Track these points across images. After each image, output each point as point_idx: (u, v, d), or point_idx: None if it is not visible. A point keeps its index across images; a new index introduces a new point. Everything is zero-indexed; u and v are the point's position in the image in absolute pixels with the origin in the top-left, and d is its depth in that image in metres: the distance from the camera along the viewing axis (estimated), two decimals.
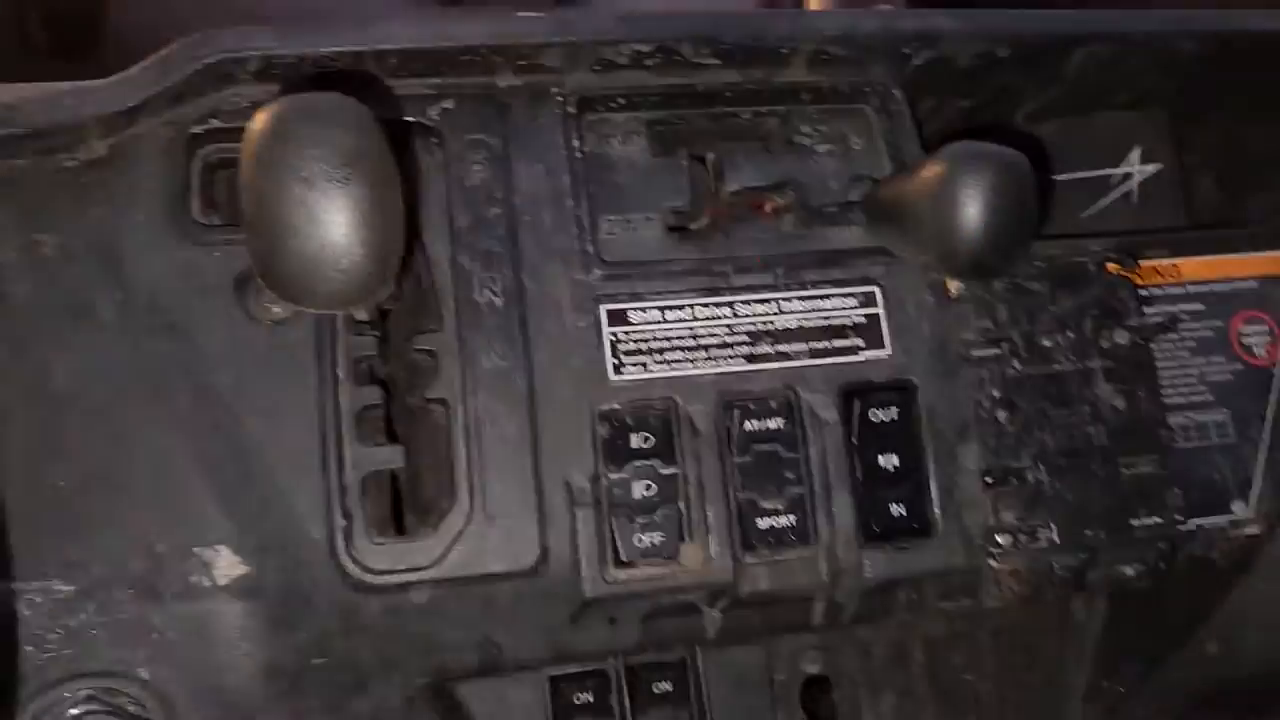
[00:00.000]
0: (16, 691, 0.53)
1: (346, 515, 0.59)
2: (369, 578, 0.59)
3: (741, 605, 0.64)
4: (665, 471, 0.62)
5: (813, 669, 0.77)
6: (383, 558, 0.59)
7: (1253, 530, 0.72)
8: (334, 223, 0.42)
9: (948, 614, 0.69)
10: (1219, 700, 0.76)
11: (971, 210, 0.57)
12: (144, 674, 0.55)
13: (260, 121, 0.44)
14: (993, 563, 0.66)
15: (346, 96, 0.45)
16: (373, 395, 0.62)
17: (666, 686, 0.75)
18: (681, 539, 0.62)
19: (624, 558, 0.61)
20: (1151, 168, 0.85)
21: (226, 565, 0.57)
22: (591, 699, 0.74)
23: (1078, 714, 0.80)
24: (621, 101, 0.69)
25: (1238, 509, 0.71)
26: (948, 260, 0.60)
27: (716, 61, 0.70)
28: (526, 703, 0.73)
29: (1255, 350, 0.74)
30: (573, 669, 0.73)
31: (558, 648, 0.63)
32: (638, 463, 0.62)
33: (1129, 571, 0.67)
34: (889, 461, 0.65)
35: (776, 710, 0.76)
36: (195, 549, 0.57)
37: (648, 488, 0.62)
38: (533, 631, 0.62)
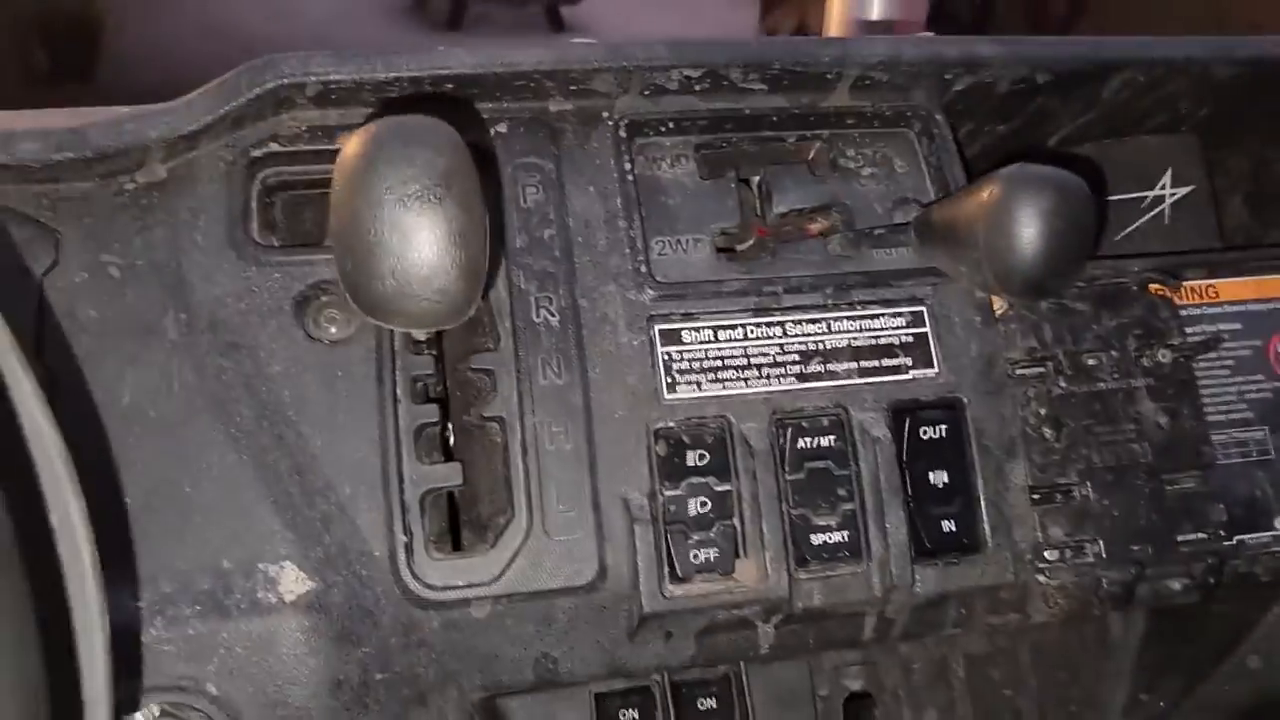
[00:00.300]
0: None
1: (407, 532, 0.60)
2: (430, 593, 0.59)
3: (795, 620, 0.65)
4: (720, 488, 0.63)
5: (855, 685, 0.78)
6: (442, 574, 0.60)
7: None
8: (428, 242, 0.43)
9: (993, 629, 0.70)
10: (1262, 715, 0.77)
11: (1030, 232, 0.58)
12: (212, 689, 0.56)
13: (354, 144, 0.45)
14: (1041, 578, 0.67)
15: (437, 119, 0.46)
16: (430, 413, 0.62)
17: (711, 703, 0.75)
18: (737, 555, 0.63)
19: (680, 573, 0.62)
20: (1183, 190, 0.86)
21: (292, 581, 0.57)
22: (636, 715, 0.74)
23: None
24: (671, 125, 0.71)
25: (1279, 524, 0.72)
26: (1004, 281, 0.61)
27: (763, 86, 0.71)
28: (571, 718, 0.73)
29: None
30: (618, 685, 0.73)
31: (613, 663, 0.63)
32: (693, 479, 0.63)
33: (1176, 586, 0.68)
34: (939, 478, 0.66)
35: None
36: (260, 565, 0.58)
37: (703, 504, 0.63)
38: (589, 647, 0.63)
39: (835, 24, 1.28)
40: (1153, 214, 0.87)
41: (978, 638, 0.79)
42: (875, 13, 1.25)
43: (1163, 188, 0.86)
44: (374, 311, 0.46)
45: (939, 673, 0.79)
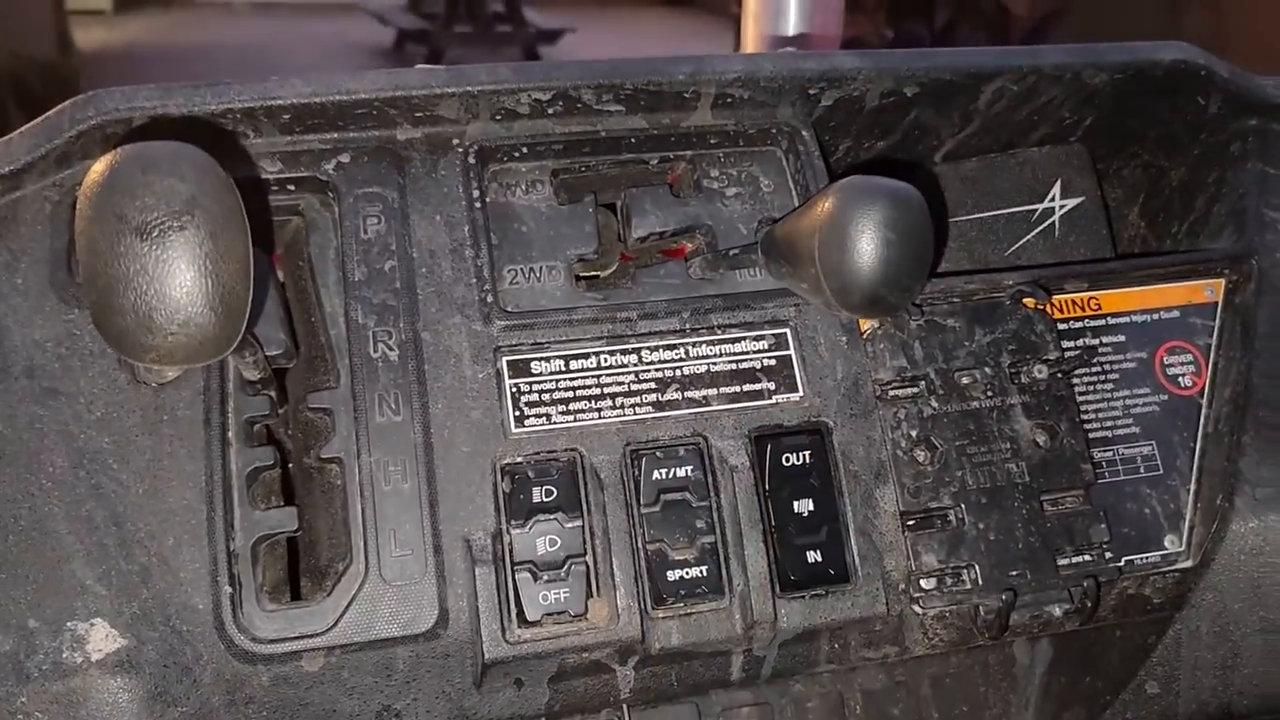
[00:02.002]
0: None
1: (234, 582, 0.57)
2: (257, 647, 0.56)
3: (655, 661, 0.62)
4: (570, 525, 0.60)
5: None
6: (273, 625, 0.57)
7: (1186, 564, 0.70)
8: (169, 274, 0.41)
9: (877, 663, 0.67)
10: None
11: (863, 245, 0.56)
12: None
13: (95, 171, 0.43)
14: (917, 608, 0.64)
15: (187, 144, 0.44)
16: (265, 456, 0.60)
17: None
18: (590, 594, 0.60)
19: (529, 616, 0.59)
20: (1073, 201, 0.85)
21: (101, 639, 0.54)
22: None
23: None
24: (525, 151, 0.68)
25: (1170, 543, 0.69)
26: (842, 296, 0.58)
27: (620, 108, 0.69)
28: None
29: (1181, 380, 0.73)
30: None
31: (461, 714, 0.60)
32: (541, 517, 0.60)
33: (1056, 612, 0.65)
34: (804, 507, 0.63)
35: None
36: (69, 623, 0.54)
37: (552, 542, 0.60)
38: (434, 698, 0.60)
39: (750, 42, 1.27)
40: (1042, 227, 0.85)
41: (875, 672, 0.76)
42: (790, 29, 1.24)
43: (1052, 200, 0.85)
44: (121, 347, 0.44)
45: (835, 711, 0.75)
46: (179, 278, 0.41)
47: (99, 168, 0.43)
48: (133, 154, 0.42)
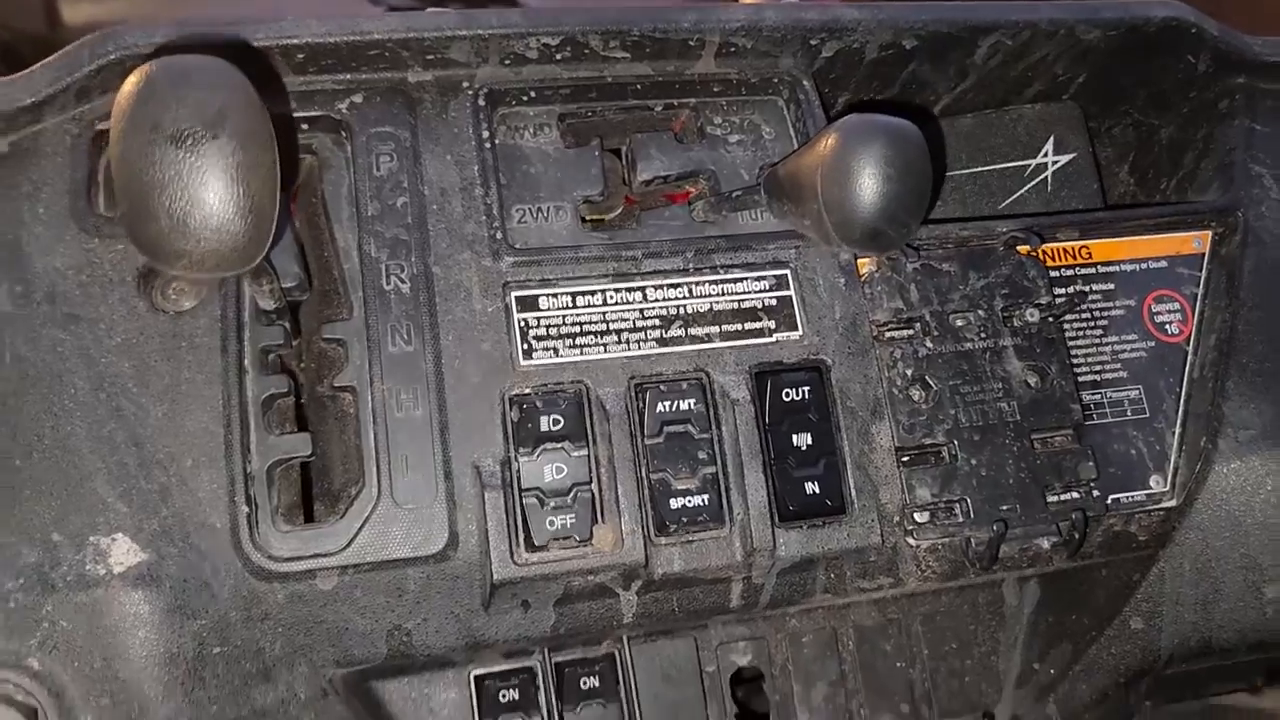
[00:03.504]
0: None
1: (250, 503, 0.59)
2: (272, 565, 0.58)
3: (657, 587, 0.64)
4: (576, 454, 0.62)
5: (743, 660, 0.76)
6: (288, 545, 0.59)
7: (1170, 503, 0.72)
8: (203, 180, 0.42)
9: (870, 595, 0.69)
10: (1145, 676, 0.76)
11: (865, 179, 0.58)
12: (34, 664, 0.54)
13: (129, 83, 0.44)
14: (910, 540, 0.66)
15: (215, 58, 0.45)
16: (280, 384, 0.61)
17: (594, 682, 0.74)
18: (595, 521, 0.62)
19: (536, 541, 0.61)
20: (1065, 157, 0.87)
21: (123, 553, 0.56)
22: (517, 696, 0.73)
23: (1010, 700, 0.79)
24: (533, 95, 0.70)
25: (1155, 482, 0.72)
26: (843, 230, 0.60)
27: (626, 55, 0.71)
28: (451, 701, 0.72)
29: (1168, 328, 0.75)
30: (497, 667, 0.72)
31: (470, 635, 0.62)
32: (549, 445, 0.62)
33: (1045, 545, 0.67)
34: (802, 440, 0.65)
35: (707, 703, 0.75)
36: (92, 538, 0.56)
37: (559, 470, 0.62)
38: (444, 618, 0.62)
39: None
40: (1035, 182, 0.87)
41: (868, 610, 0.78)
42: None
43: (1045, 155, 0.87)
44: (154, 254, 0.45)
45: (829, 646, 0.78)
46: (212, 185, 0.43)
47: (133, 79, 0.44)
48: (166, 66, 0.44)
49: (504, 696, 0.73)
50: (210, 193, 0.42)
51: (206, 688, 0.57)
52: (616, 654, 0.75)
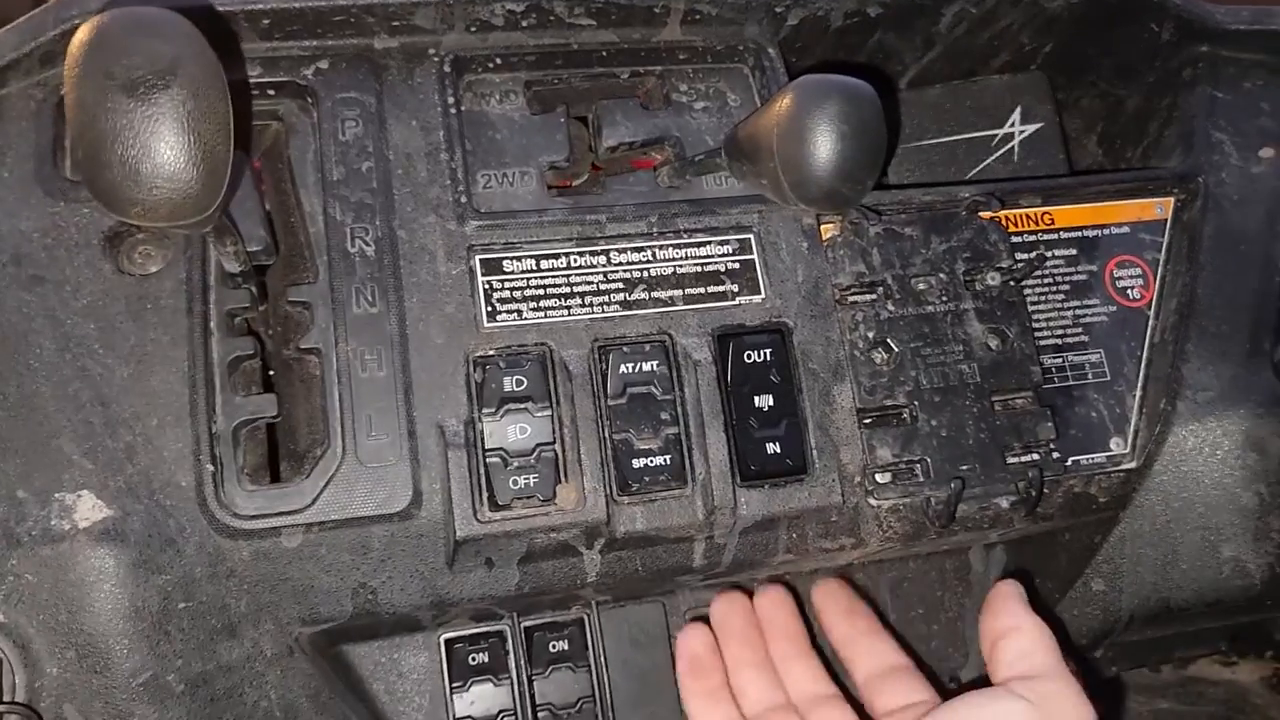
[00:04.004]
0: None
1: (215, 462, 0.59)
2: (238, 523, 0.59)
3: (619, 545, 0.64)
4: (540, 414, 0.63)
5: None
6: (253, 503, 0.59)
7: (1130, 465, 0.73)
8: (153, 131, 0.43)
9: (833, 556, 0.70)
10: (1106, 635, 0.77)
11: (819, 137, 0.59)
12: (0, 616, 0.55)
13: (81, 32, 0.44)
14: (871, 500, 0.67)
15: (167, 10, 0.46)
16: (245, 346, 0.62)
17: (563, 645, 0.75)
18: (558, 480, 0.63)
19: (499, 500, 0.62)
20: (1032, 127, 0.87)
21: (88, 509, 0.57)
22: (486, 659, 0.74)
23: (976, 664, 0.80)
24: (499, 62, 0.71)
25: (1115, 444, 0.73)
26: (799, 189, 0.61)
27: (591, 21, 0.71)
28: (421, 665, 0.73)
29: (1129, 293, 0.76)
30: (467, 630, 0.73)
31: (435, 593, 0.63)
32: (512, 406, 0.63)
33: (1004, 504, 0.68)
34: (764, 402, 0.66)
35: (676, 667, 0.76)
36: (57, 494, 0.57)
37: (522, 430, 0.63)
38: (408, 576, 0.62)
39: None
40: (1002, 151, 0.87)
41: (833, 574, 0.79)
42: None
43: (1012, 125, 0.87)
44: (109, 202, 0.46)
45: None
46: (164, 133, 0.43)
47: (85, 28, 0.45)
48: (118, 15, 0.44)
49: (474, 660, 0.74)
50: (162, 141, 0.43)
51: (172, 642, 0.58)
52: (585, 619, 0.76)
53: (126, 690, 0.57)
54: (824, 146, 0.59)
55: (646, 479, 0.64)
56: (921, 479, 0.67)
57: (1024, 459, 0.69)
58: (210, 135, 0.45)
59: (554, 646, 0.75)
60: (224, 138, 0.46)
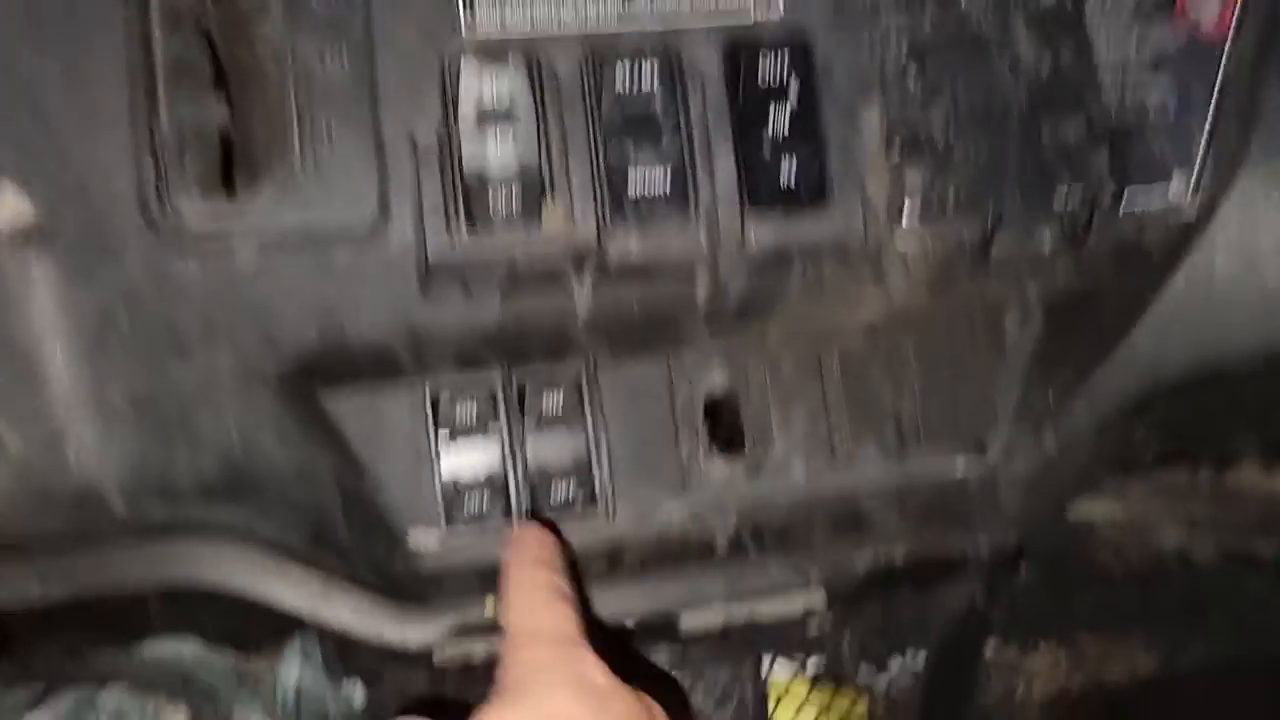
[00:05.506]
0: None
1: (159, 167, 0.53)
2: (185, 235, 0.53)
3: (612, 276, 0.58)
4: (524, 127, 0.56)
5: (717, 384, 0.71)
6: (201, 215, 0.53)
7: (1190, 214, 0.65)
8: None
9: (852, 304, 0.63)
10: (1150, 402, 0.71)
11: None
12: None
13: None
14: (898, 234, 0.60)
15: None
16: (191, 43, 0.55)
17: (558, 399, 0.69)
18: (544, 201, 0.56)
19: (476, 220, 0.55)
20: None
21: (11, 211, 0.51)
22: (475, 414, 0.68)
23: (1006, 430, 0.74)
24: None
25: (1175, 186, 0.65)
26: None
27: None
28: (404, 417, 0.68)
29: (1203, 23, 0.67)
30: (453, 375, 0.68)
31: (408, 323, 0.57)
32: (494, 117, 0.56)
33: (1045, 236, 0.60)
34: (779, 122, 0.59)
35: (678, 429, 0.71)
36: None
37: (504, 143, 0.56)
38: (378, 304, 0.57)
39: None
40: None
41: (854, 336, 0.73)
42: None
43: None
44: None
45: (811, 371, 0.72)
46: None
47: None
48: None
49: (461, 414, 0.69)
50: None
51: (112, 359, 0.53)
52: (582, 373, 0.70)
53: (64, 405, 0.52)
54: None
55: (643, 203, 0.57)
56: (954, 211, 0.60)
57: (1070, 188, 0.61)
58: None
59: (548, 403, 0.70)
60: None
